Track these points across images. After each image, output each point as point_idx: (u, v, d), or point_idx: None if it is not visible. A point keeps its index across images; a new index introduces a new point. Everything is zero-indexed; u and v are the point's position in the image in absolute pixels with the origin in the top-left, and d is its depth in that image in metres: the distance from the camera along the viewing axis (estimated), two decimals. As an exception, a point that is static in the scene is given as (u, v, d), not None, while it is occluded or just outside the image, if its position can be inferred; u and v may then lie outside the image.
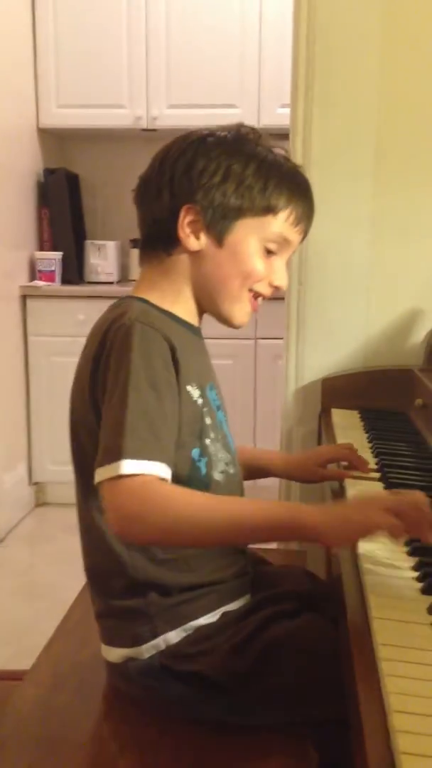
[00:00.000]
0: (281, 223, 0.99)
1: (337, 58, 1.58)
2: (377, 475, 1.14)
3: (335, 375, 1.66)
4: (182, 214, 0.97)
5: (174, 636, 0.95)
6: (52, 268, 3.09)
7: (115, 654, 0.99)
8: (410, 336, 1.68)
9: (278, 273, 1.02)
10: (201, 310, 1.04)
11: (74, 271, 3.15)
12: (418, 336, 1.66)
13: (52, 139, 3.31)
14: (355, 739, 0.58)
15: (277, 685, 0.91)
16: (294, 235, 1.01)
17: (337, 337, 1.69)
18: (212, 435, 0.99)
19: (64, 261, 3.13)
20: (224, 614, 0.98)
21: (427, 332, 1.64)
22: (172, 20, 3.03)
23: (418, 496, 0.81)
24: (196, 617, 0.96)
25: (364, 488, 1.08)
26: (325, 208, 1.63)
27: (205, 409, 0.98)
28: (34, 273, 3.11)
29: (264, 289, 1.02)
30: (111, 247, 3.19)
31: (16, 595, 2.43)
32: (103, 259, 3.20)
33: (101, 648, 1.02)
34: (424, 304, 1.66)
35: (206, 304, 1.03)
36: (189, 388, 0.95)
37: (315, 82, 1.59)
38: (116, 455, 0.82)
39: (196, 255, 0.99)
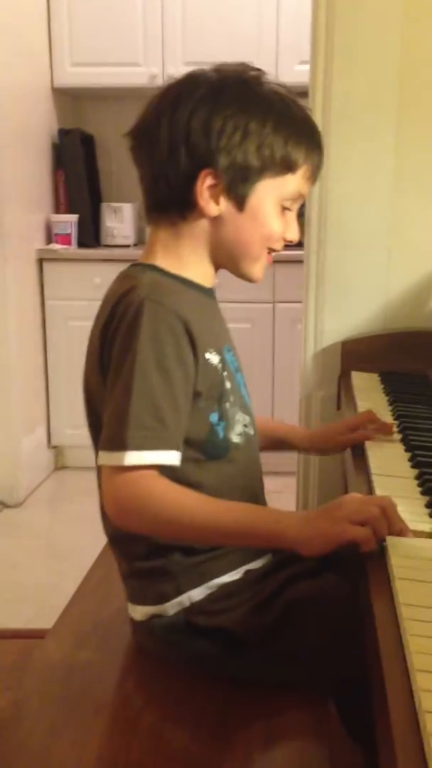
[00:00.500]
0: (299, 179, 0.97)
1: (358, 11, 1.54)
2: (399, 436, 1.13)
3: (355, 338, 1.64)
4: (200, 178, 0.93)
5: (198, 593, 0.97)
6: (68, 231, 3.07)
7: (140, 612, 1.01)
8: (431, 297, 1.65)
9: (291, 227, 1.00)
10: (216, 269, 1.03)
11: (90, 234, 3.13)
12: (440, 297, 1.64)
13: (67, 98, 3.26)
14: (377, 699, 0.58)
15: (298, 643, 0.93)
16: (307, 188, 1.00)
17: (357, 299, 1.67)
18: (231, 398, 0.99)
19: (80, 224, 3.11)
20: (247, 572, 0.99)
21: (449, 294, 1.61)
22: (188, -25, 2.96)
23: (386, 501, 0.82)
24: (220, 575, 0.97)
25: (384, 452, 1.08)
26: (346, 167, 1.60)
27: (225, 373, 0.97)
28: (50, 236, 3.09)
29: (279, 245, 1.01)
30: (127, 209, 3.16)
31: (37, 557, 2.46)
32: (120, 221, 3.17)
33: (127, 607, 1.04)
34: (445, 264, 1.63)
35: (225, 264, 1.02)
36: (208, 355, 0.94)
37: (335, 36, 1.55)
38: (120, 445, 0.85)
39: (214, 219, 0.96)
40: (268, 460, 1.09)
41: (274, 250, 1.01)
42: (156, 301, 0.89)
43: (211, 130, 0.92)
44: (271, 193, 0.96)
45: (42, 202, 3.09)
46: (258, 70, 0.98)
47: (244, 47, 2.95)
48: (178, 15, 3.00)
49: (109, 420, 0.88)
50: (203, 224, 0.97)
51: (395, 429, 1.16)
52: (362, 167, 1.60)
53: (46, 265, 3.01)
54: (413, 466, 1.01)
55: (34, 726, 0.93)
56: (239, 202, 0.95)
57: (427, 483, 0.94)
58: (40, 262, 3.00)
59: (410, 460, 1.04)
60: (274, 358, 3.00)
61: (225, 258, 1.00)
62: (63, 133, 3.13)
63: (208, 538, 0.92)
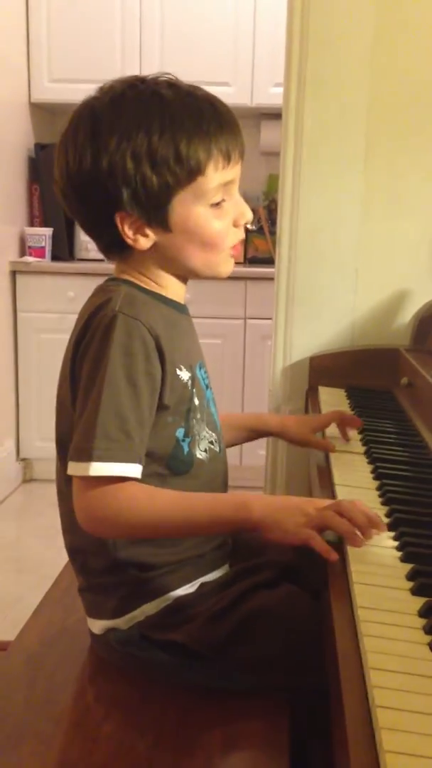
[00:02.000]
0: (213, 175, 0.91)
1: (330, 38, 1.58)
2: (362, 449, 1.16)
3: (323, 354, 1.67)
4: (118, 222, 0.91)
5: (152, 607, 0.97)
6: (42, 244, 3.08)
7: (97, 625, 1.01)
8: (398, 316, 1.69)
9: (236, 211, 0.96)
10: (185, 282, 1.02)
11: (64, 248, 3.15)
12: (406, 316, 1.68)
13: (44, 113, 3.28)
14: (333, 693, 0.60)
15: (255, 654, 0.93)
16: (230, 172, 0.93)
17: (326, 316, 1.70)
18: (198, 415, 0.99)
19: (55, 237, 3.12)
20: (202, 585, 1.00)
21: (415, 313, 1.66)
22: (166, -4, 3.01)
23: (339, 503, 0.85)
24: (174, 588, 0.98)
25: (348, 463, 1.10)
26: (316, 188, 1.64)
27: (194, 390, 0.98)
28: (24, 248, 3.10)
29: (235, 238, 0.97)
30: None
31: (3, 569, 2.44)
32: (94, 236, 3.19)
33: (87, 620, 1.04)
34: (411, 285, 1.68)
35: (189, 276, 1.01)
36: (179, 371, 0.95)
37: (308, 61, 1.59)
38: (86, 455, 0.86)
39: (153, 248, 0.94)
40: (233, 473, 1.11)
41: (233, 243, 0.98)
42: (129, 315, 0.89)
43: (101, 173, 0.89)
44: (191, 204, 0.92)
45: (17, 214, 3.10)
46: (135, 78, 0.93)
47: (221, 68, 3.01)
48: (157, 33, 3.05)
49: (79, 431, 0.88)
50: (149, 254, 0.95)
51: (359, 442, 1.19)
52: (332, 189, 1.64)
53: (19, 278, 3.01)
54: (375, 478, 1.04)
55: (-5, 733, 0.93)
56: (164, 225, 0.92)
57: (388, 494, 0.97)
58: (14, 274, 3.00)
59: (372, 471, 1.06)
60: (244, 372, 3.04)
61: (185, 272, 0.99)
62: (39, 147, 3.15)
63: (181, 533, 0.93)
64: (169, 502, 0.90)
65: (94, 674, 1.03)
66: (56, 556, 1.28)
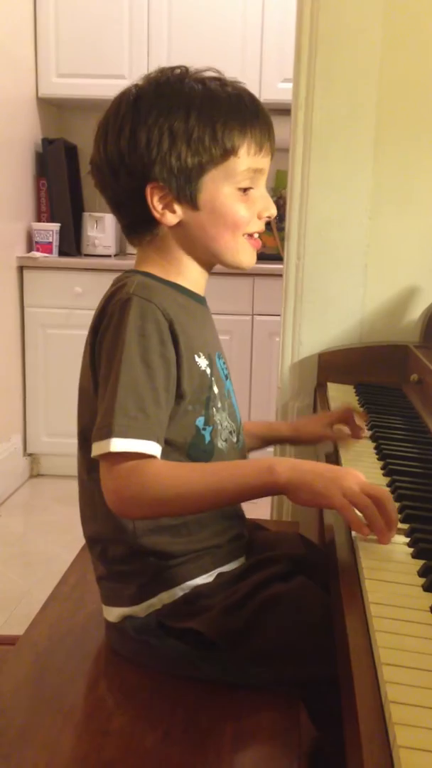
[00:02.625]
0: (245, 158, 0.95)
1: (339, 33, 1.58)
2: (372, 445, 1.16)
3: (331, 350, 1.67)
4: (148, 194, 0.94)
5: (170, 595, 0.98)
6: (50, 240, 3.08)
7: (114, 613, 1.02)
8: (407, 313, 1.69)
9: (262, 204, 0.99)
10: (209, 269, 1.04)
11: (72, 243, 3.15)
12: (415, 313, 1.68)
13: (51, 109, 3.28)
14: (345, 689, 0.60)
15: (269, 644, 0.94)
16: (261, 161, 0.98)
17: (334, 313, 1.70)
18: (219, 404, 1.00)
19: (62, 233, 3.12)
20: (219, 575, 1.00)
21: (424, 309, 1.65)
22: (174, -9, 3.00)
23: (384, 494, 0.83)
24: (192, 578, 0.98)
25: (358, 460, 1.10)
26: (325, 184, 1.64)
27: (213, 378, 0.99)
28: (31, 244, 3.10)
29: (256, 227, 1.00)
30: (109, 219, 3.18)
31: (10, 565, 2.45)
32: (101, 231, 3.19)
33: (102, 609, 1.05)
34: (421, 281, 1.67)
35: (211, 261, 1.02)
36: (197, 357, 0.96)
37: (317, 57, 1.59)
38: (107, 433, 0.86)
39: (178, 226, 0.97)
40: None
41: (255, 233, 1.00)
42: (143, 297, 0.91)
43: (138, 145, 0.93)
44: (221, 183, 0.95)
45: (24, 210, 3.10)
46: (180, 67, 0.97)
47: (229, 63, 2.97)
48: (164, 29, 3.04)
49: (100, 412, 0.89)
50: (173, 233, 0.98)
51: (368, 439, 1.18)
52: (341, 185, 1.64)
53: (26, 273, 3.02)
54: (385, 474, 1.04)
55: (5, 728, 0.93)
56: (192, 203, 0.95)
57: (398, 490, 0.97)
58: (21, 269, 3.01)
59: (383, 468, 1.06)
60: (251, 369, 3.03)
61: (208, 256, 1.01)
62: (47, 142, 3.14)
63: (208, 503, 0.92)
64: (194, 473, 0.90)
65: (103, 668, 1.03)
66: (63, 551, 1.29)
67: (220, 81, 0.96)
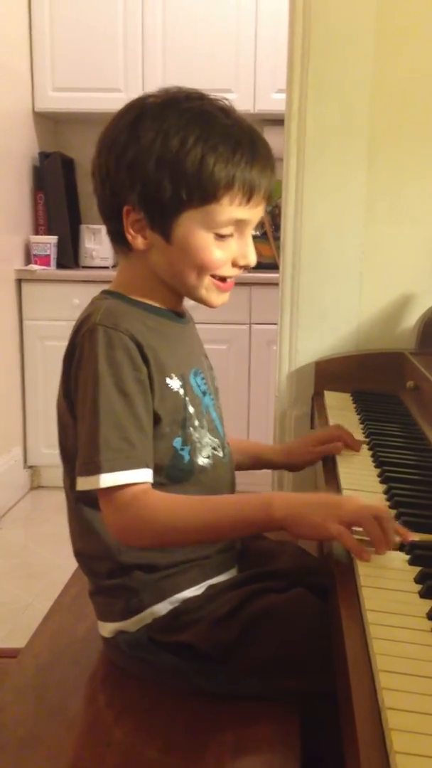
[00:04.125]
0: (227, 207, 0.90)
1: (332, 43, 1.59)
2: (369, 452, 1.16)
3: (328, 358, 1.68)
4: (124, 214, 0.92)
5: (160, 609, 0.98)
6: (47, 252, 3.09)
7: (107, 629, 1.02)
8: (402, 320, 1.70)
9: (241, 253, 0.95)
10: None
11: (69, 256, 3.16)
12: (410, 320, 1.69)
13: (48, 122, 3.30)
14: (342, 693, 0.60)
15: (263, 654, 0.93)
16: (247, 212, 0.92)
17: (331, 321, 1.71)
18: (196, 423, 0.99)
19: (60, 245, 3.14)
20: (210, 587, 1.00)
21: (420, 316, 1.66)
22: (168, 4, 3.02)
23: (382, 511, 0.84)
24: (181, 590, 0.98)
25: (355, 467, 1.11)
26: (319, 193, 1.65)
27: (187, 398, 0.98)
28: (29, 257, 3.11)
29: (228, 272, 0.96)
30: (106, 231, 3.19)
31: (11, 576, 2.45)
32: (99, 243, 3.21)
33: (97, 624, 1.05)
34: (416, 288, 1.68)
35: (177, 291, 1.00)
36: (168, 380, 0.96)
37: (310, 67, 1.60)
38: (94, 469, 0.87)
39: (149, 251, 0.95)
40: (242, 480, 1.12)
41: (224, 277, 0.96)
42: (108, 326, 0.90)
43: (125, 163, 0.90)
44: (198, 225, 0.91)
45: (21, 223, 3.11)
46: (197, 92, 0.93)
47: (223, 75, 3.03)
48: (158, 43, 3.06)
49: (82, 447, 0.90)
50: (144, 255, 0.96)
51: (365, 446, 1.19)
52: (335, 194, 1.65)
53: (24, 286, 3.03)
54: (382, 481, 1.04)
55: (7, 740, 0.93)
56: (165, 235, 0.92)
57: (395, 497, 0.97)
58: (19, 282, 3.02)
59: (379, 475, 1.07)
60: (250, 377, 3.04)
61: (172, 285, 0.98)
62: (43, 156, 3.16)
63: (206, 536, 0.93)
64: (192, 508, 0.91)
65: (104, 680, 1.03)
66: (64, 563, 1.29)
67: (228, 114, 0.91)
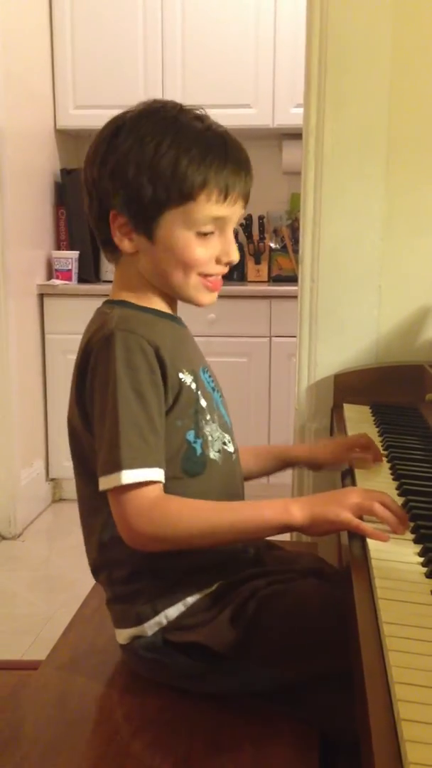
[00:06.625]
0: (205, 205, 0.95)
1: (349, 59, 1.61)
2: (387, 465, 1.16)
3: (347, 371, 1.68)
4: (111, 220, 0.97)
5: (173, 611, 0.99)
6: (69, 267, 3.13)
7: (124, 635, 1.03)
8: (421, 333, 1.70)
9: (223, 250, 0.99)
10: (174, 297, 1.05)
11: (91, 270, 3.20)
12: (430, 332, 1.68)
13: (69, 139, 3.35)
14: (359, 705, 0.61)
15: (272, 643, 0.95)
16: (226, 209, 0.97)
17: (350, 334, 1.71)
18: (208, 416, 1.02)
19: (81, 260, 3.17)
20: (220, 585, 1.01)
21: (439, 328, 1.66)
22: (187, 21, 3.06)
23: (385, 496, 0.91)
24: (193, 593, 1.00)
25: (373, 480, 1.11)
26: (338, 207, 1.66)
27: (199, 392, 1.01)
28: (51, 272, 3.16)
29: (213, 270, 1.00)
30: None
31: (34, 589, 2.47)
32: (119, 258, 3.24)
33: (115, 632, 1.06)
34: (435, 300, 1.68)
35: (167, 292, 1.03)
36: (182, 375, 0.98)
37: (327, 82, 1.62)
38: (115, 467, 0.89)
39: (136, 254, 0.99)
40: (261, 492, 1.13)
41: (210, 274, 1.00)
42: (125, 330, 0.93)
43: (107, 172, 0.96)
44: (179, 224, 0.95)
45: (44, 238, 3.16)
46: (172, 102, 0.99)
47: (243, 90, 3.05)
48: (178, 60, 3.10)
49: (104, 448, 0.92)
50: (133, 259, 1.00)
51: (384, 459, 1.19)
52: (354, 208, 1.66)
53: (46, 300, 3.07)
54: (400, 494, 1.04)
55: (29, 750, 0.94)
56: (148, 235, 0.97)
57: (413, 510, 0.97)
58: (41, 297, 3.06)
59: (398, 488, 1.07)
60: (270, 390, 3.04)
61: (162, 287, 1.02)
62: (65, 173, 3.21)
63: (225, 540, 0.96)
64: (211, 510, 0.94)
65: (124, 692, 1.04)
66: (86, 576, 1.30)
67: (201, 121, 0.97)
